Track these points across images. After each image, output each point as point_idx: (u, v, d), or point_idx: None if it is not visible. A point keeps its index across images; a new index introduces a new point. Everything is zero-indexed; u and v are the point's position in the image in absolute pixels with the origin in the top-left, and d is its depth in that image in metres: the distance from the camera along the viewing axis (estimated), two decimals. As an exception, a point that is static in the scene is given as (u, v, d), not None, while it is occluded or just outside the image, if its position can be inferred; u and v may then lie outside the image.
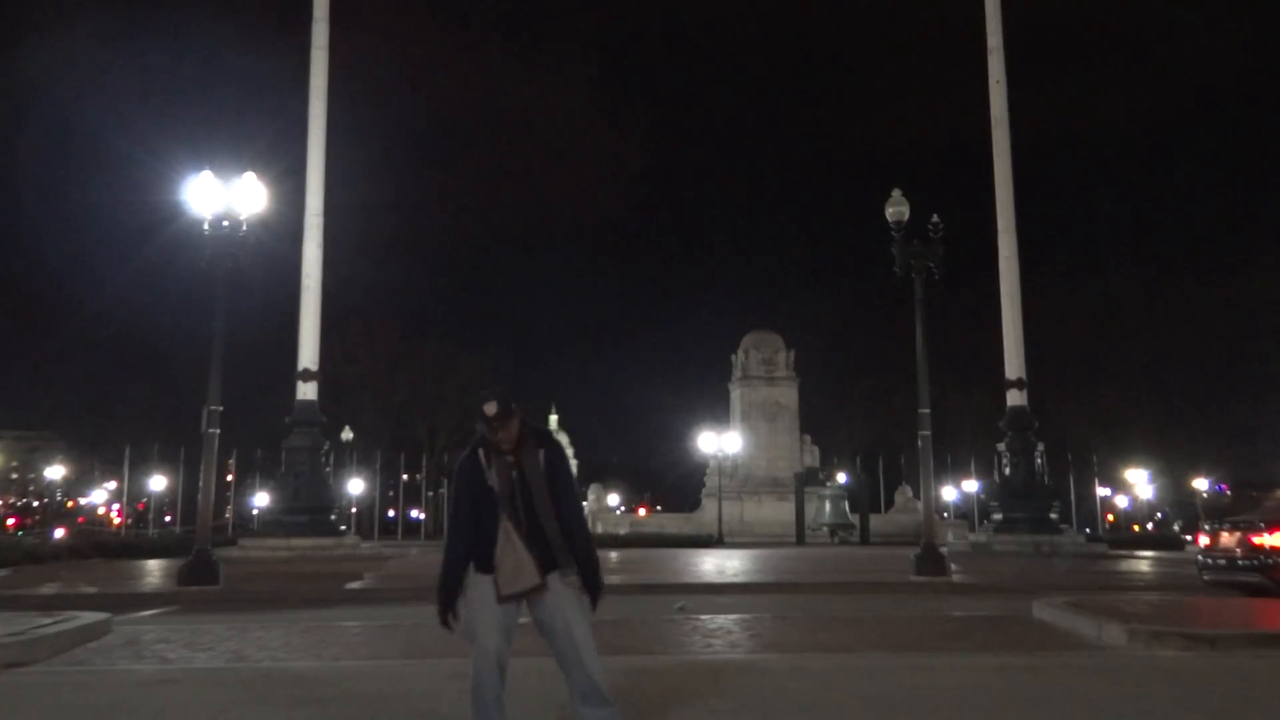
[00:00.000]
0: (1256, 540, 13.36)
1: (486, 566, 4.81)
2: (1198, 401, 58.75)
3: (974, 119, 29.54)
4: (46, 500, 79.89)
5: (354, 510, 56.98)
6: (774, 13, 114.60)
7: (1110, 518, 65.14)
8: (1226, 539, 14.07)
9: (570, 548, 4.83)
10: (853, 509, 49.32)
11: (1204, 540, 15.04)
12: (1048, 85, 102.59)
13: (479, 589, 4.82)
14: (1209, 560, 14.36)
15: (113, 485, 66.89)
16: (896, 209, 19.33)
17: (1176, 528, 55.70)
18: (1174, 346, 58.14)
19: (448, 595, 4.84)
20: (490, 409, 4.87)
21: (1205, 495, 59.60)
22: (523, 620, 4.94)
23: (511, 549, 4.73)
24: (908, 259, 19.06)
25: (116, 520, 62.38)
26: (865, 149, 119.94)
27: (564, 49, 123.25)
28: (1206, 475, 60.24)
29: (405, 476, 63.63)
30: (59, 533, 49.63)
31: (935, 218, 19.22)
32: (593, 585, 4.87)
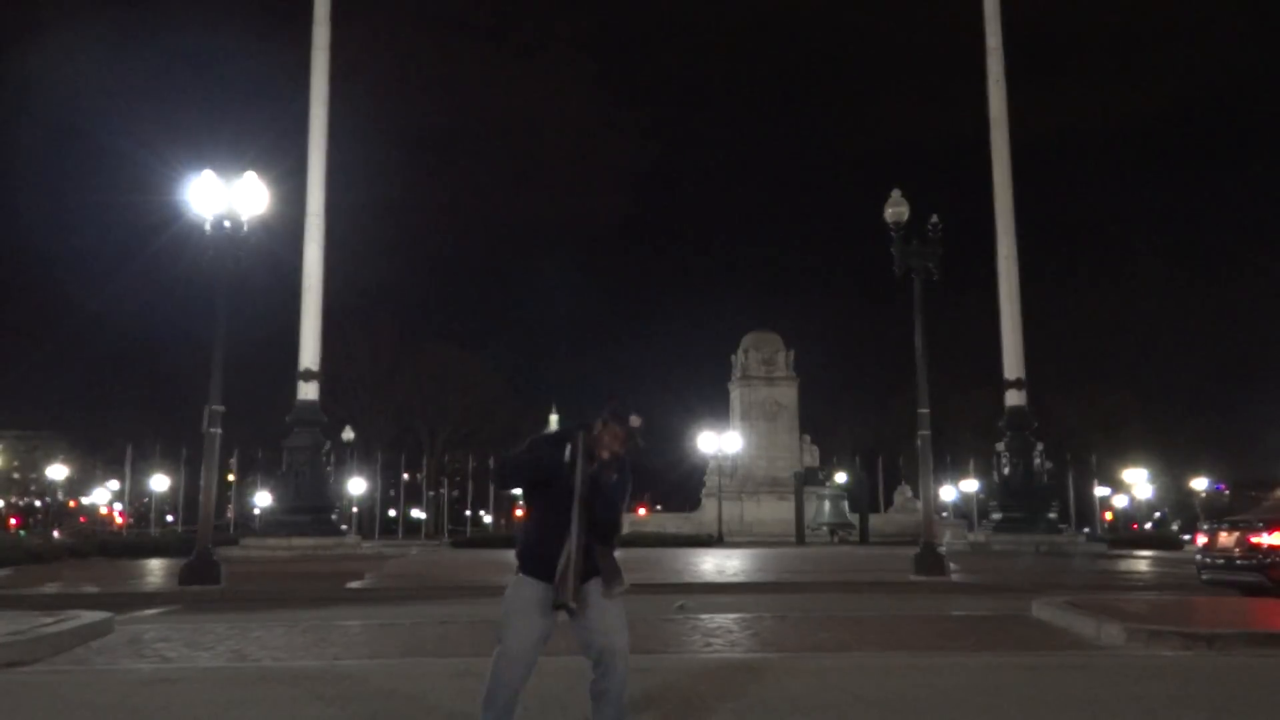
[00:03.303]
0: (1255, 540, 13.39)
1: (534, 568, 4.63)
2: (1197, 401, 58.82)
3: (974, 119, 29.59)
4: (48, 500, 79.93)
5: (355, 510, 57.02)
6: (774, 13, 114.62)
7: (1109, 517, 65.17)
8: (1225, 539, 14.10)
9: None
10: (852, 509, 49.36)
11: (1203, 540, 15.07)
12: (1048, 85, 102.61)
13: (522, 592, 4.65)
14: (1208, 560, 14.39)
15: (115, 485, 66.95)
16: (895, 210, 19.34)
17: (1175, 527, 55.71)
18: (1174, 346, 58.19)
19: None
20: (637, 422, 4.60)
21: (1204, 495, 59.64)
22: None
23: (572, 557, 4.53)
24: (907, 259, 19.09)
25: (119, 520, 62.41)
26: (865, 149, 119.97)
27: (564, 50, 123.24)
28: (1205, 475, 60.28)
29: (406, 476, 63.71)
30: (55, 534, 49.61)
31: (934, 218, 19.25)
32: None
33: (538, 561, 4.62)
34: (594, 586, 4.61)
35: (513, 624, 4.63)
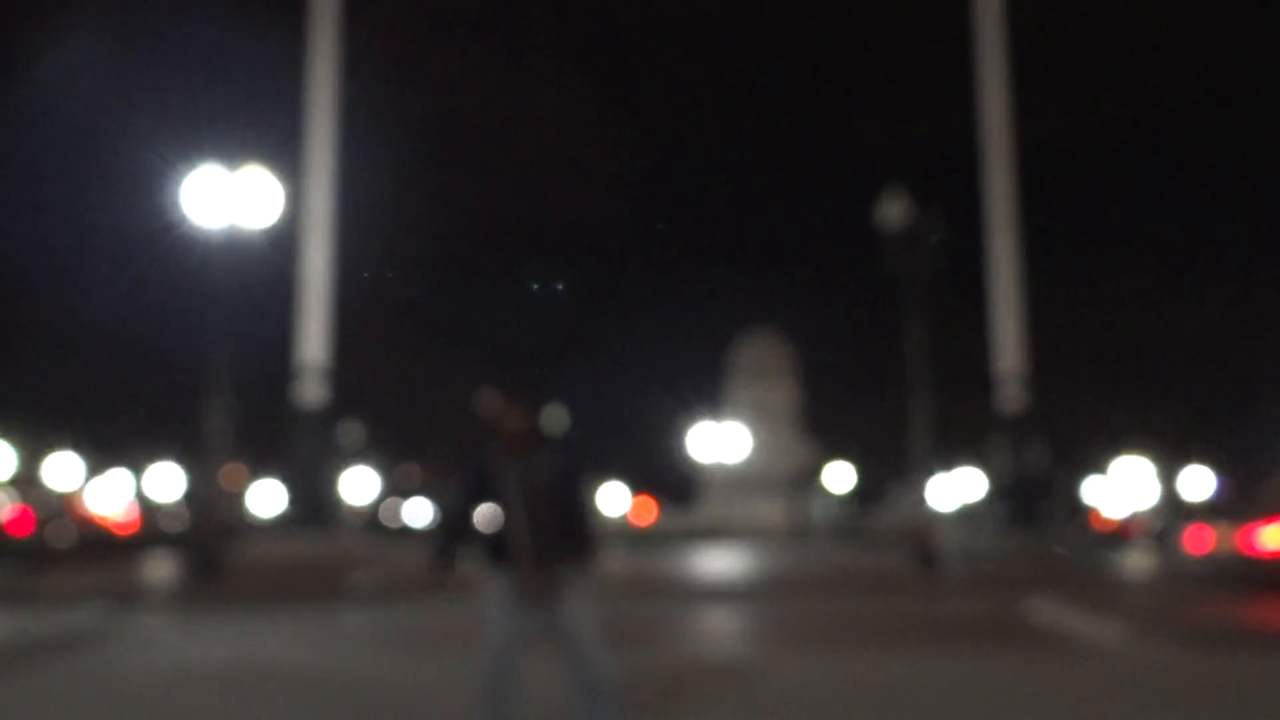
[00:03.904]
0: (1253, 537, 13.45)
1: (498, 562, 4.78)
2: (1196, 398, 58.76)
3: (974, 118, 29.58)
4: (54, 498, 79.80)
5: (357, 509, 57.02)
6: (773, 13, 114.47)
7: (1107, 515, 65.08)
8: (1223, 536, 14.17)
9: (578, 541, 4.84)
10: (852, 507, 49.43)
11: (1201, 538, 15.14)
12: (1048, 85, 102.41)
13: (493, 588, 4.79)
14: (1205, 558, 14.46)
15: (120, 483, 66.94)
16: (895, 207, 19.40)
17: (1173, 525, 55.66)
18: (1173, 343, 58.15)
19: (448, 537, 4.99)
20: (491, 396, 4.94)
21: (1203, 492, 59.61)
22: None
23: (527, 550, 4.69)
24: (906, 257, 19.14)
25: (124, 518, 62.38)
26: (864, 147, 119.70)
27: (563, 50, 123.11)
28: (1205, 473, 60.24)
29: (410, 474, 63.68)
30: (58, 532, 49.54)
31: (934, 216, 19.31)
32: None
33: (500, 555, 4.79)
34: (564, 577, 4.75)
35: (490, 620, 4.79)
